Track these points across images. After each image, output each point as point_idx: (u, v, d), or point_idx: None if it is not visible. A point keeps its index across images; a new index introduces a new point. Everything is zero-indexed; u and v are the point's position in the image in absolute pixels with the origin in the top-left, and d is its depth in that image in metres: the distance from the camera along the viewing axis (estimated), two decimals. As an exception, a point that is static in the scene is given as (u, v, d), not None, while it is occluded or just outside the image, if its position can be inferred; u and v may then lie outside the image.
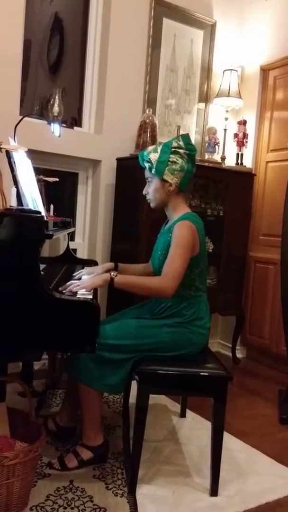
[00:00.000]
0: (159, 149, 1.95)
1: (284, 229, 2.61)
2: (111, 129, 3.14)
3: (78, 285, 1.74)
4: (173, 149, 1.93)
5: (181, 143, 1.94)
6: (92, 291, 1.76)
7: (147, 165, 1.96)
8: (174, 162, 1.92)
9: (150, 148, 1.98)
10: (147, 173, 2.00)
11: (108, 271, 2.12)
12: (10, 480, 1.53)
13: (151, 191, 2.00)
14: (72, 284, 1.76)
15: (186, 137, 1.97)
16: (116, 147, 3.13)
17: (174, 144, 1.94)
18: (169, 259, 1.84)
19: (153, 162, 1.93)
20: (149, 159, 1.94)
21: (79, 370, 1.83)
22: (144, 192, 2.04)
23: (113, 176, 3.17)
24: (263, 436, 2.37)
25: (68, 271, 2.17)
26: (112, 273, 1.80)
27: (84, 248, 3.27)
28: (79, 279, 2.00)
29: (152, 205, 2.03)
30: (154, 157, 1.94)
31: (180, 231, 1.86)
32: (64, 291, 1.72)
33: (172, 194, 1.98)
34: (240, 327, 3.50)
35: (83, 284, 1.76)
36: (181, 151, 1.93)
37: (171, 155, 1.92)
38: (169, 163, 1.92)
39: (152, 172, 1.95)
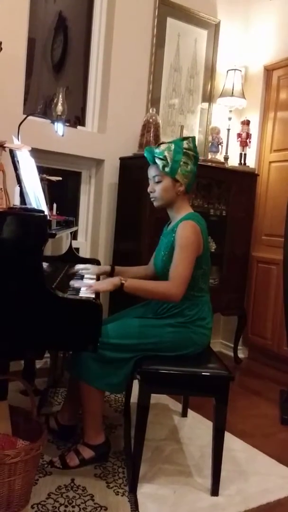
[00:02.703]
0: (172, 147, 1.91)
1: (287, 229, 2.61)
2: (114, 128, 3.14)
3: (90, 286, 1.78)
4: (184, 150, 1.91)
5: (191, 145, 1.94)
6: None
7: (160, 162, 1.91)
8: (186, 164, 1.91)
9: (163, 146, 1.93)
10: (155, 171, 1.95)
11: (104, 273, 2.15)
12: (11, 478, 1.54)
13: (159, 189, 1.96)
14: (82, 284, 1.79)
15: (194, 140, 1.97)
16: (119, 146, 3.13)
17: (186, 146, 1.92)
18: (175, 264, 1.84)
19: (168, 161, 1.90)
20: (165, 156, 1.90)
21: (81, 369, 1.83)
22: (149, 190, 2.00)
23: (116, 176, 3.18)
24: (264, 436, 2.37)
25: (70, 270, 2.18)
26: (122, 279, 1.80)
27: (87, 247, 3.27)
28: (81, 277, 2.01)
29: (157, 204, 2.00)
30: (169, 155, 1.90)
31: (184, 232, 1.86)
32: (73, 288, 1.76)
33: (180, 195, 1.97)
34: (242, 327, 3.50)
35: (93, 287, 1.77)
36: (190, 153, 1.93)
37: (183, 156, 1.91)
38: (181, 163, 1.91)
39: (166, 170, 1.90)
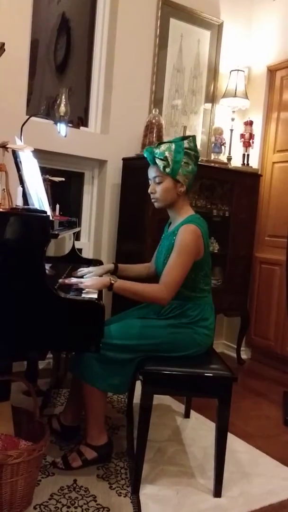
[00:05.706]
0: (173, 147, 1.88)
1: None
2: (117, 129, 3.15)
3: (81, 283, 1.78)
4: (185, 150, 1.89)
5: (192, 144, 1.92)
6: (97, 291, 1.77)
7: (161, 163, 1.88)
8: (186, 164, 1.89)
9: (164, 146, 1.89)
10: (156, 172, 1.92)
11: (108, 272, 2.15)
12: (14, 478, 1.54)
13: (160, 190, 1.93)
14: (72, 280, 1.80)
15: (195, 139, 1.95)
16: (122, 147, 3.14)
17: (186, 145, 1.89)
18: (169, 267, 1.82)
19: (169, 161, 1.87)
20: (165, 157, 1.87)
21: (83, 369, 1.83)
22: (150, 191, 1.97)
23: (119, 176, 3.18)
24: (267, 437, 2.36)
25: (73, 271, 2.18)
26: (112, 279, 1.79)
27: (90, 248, 3.28)
28: (81, 277, 2.00)
29: (158, 205, 1.98)
30: (170, 155, 1.87)
31: (184, 238, 1.84)
32: (64, 282, 1.78)
33: (181, 195, 1.96)
34: (245, 328, 3.50)
35: (84, 283, 1.77)
36: (191, 153, 1.91)
37: (184, 156, 1.89)
38: (183, 164, 1.88)
39: (167, 171, 1.88)
